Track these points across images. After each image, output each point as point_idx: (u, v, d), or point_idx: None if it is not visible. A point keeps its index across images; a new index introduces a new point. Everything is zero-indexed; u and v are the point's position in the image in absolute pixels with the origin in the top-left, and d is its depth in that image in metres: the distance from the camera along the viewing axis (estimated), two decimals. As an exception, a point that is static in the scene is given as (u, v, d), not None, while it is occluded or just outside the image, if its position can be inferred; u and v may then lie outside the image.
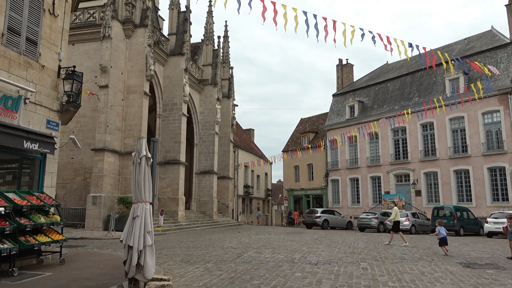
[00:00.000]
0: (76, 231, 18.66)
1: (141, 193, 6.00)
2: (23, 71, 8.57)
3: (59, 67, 9.64)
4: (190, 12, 27.83)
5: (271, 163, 52.45)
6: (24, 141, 8.22)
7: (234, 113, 35.92)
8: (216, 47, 33.84)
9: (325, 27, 9.26)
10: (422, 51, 10.41)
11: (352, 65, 42.14)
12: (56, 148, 9.30)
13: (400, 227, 23.87)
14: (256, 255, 10.77)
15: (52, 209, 9.01)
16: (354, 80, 41.68)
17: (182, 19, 27.42)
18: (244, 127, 56.24)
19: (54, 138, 9.17)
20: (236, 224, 32.38)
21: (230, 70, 36.44)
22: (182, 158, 25.77)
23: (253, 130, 57.09)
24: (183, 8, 28.12)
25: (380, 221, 26.04)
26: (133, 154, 6.19)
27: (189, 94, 29.16)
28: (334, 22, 9.38)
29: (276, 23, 8.67)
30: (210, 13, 33.62)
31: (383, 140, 33.23)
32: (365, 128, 26.96)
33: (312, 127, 43.56)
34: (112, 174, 20.66)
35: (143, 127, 21.56)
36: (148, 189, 6.08)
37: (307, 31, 9.55)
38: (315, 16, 9.12)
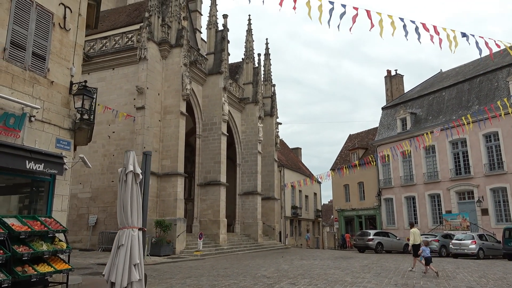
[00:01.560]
0: (113, 256, 18.22)
1: (127, 216, 4.97)
2: (28, 87, 8.09)
3: (71, 83, 9.14)
4: (228, 30, 27.53)
5: (320, 182, 50.45)
6: (27, 161, 7.62)
7: (278, 131, 34.78)
8: (256, 65, 33.25)
9: (355, 16, 7.93)
10: (480, 41, 8.66)
11: (402, 76, 39.61)
12: (66, 169, 8.66)
13: (464, 250, 21.21)
14: (288, 287, 9.31)
15: (62, 235, 8.32)
16: (405, 92, 39.04)
17: (220, 38, 27.16)
18: (294, 147, 54.84)
19: (63, 158, 8.54)
20: (282, 248, 30.71)
21: (272, 87, 35.59)
22: (223, 178, 24.95)
23: (300, 149, 55.42)
24: (221, 28, 27.93)
25: (441, 244, 23.28)
26: (119, 170, 5.22)
27: (230, 113, 28.60)
28: (368, 12, 8.04)
29: (294, 8, 7.51)
30: (249, 31, 33.27)
31: (441, 153, 30.26)
32: (418, 141, 24.51)
33: (362, 143, 41.20)
34: (150, 197, 20.10)
35: (180, 147, 21.07)
36: (137, 212, 5.04)
37: (338, 26, 8.29)
38: (343, 6, 7.85)
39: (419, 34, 8.58)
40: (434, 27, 8.54)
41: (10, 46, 7.78)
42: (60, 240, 8.08)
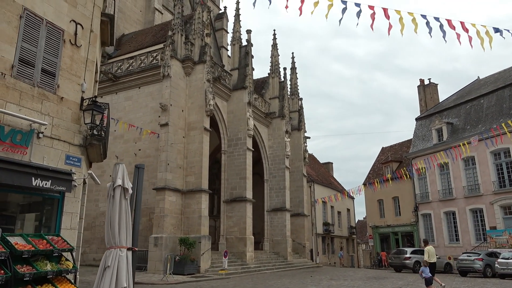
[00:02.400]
0: (138, 275, 17.95)
1: (114, 235, 4.57)
2: (37, 104, 8.03)
3: (82, 99, 9.04)
4: (251, 45, 27.44)
5: (353, 198, 48.83)
6: (33, 178, 7.48)
7: (306, 146, 33.98)
8: (282, 79, 32.89)
9: (372, 15, 7.34)
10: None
11: (436, 85, 37.90)
12: (75, 186, 8.47)
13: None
14: (309, 311, 8.55)
15: (70, 254, 8.07)
16: (440, 101, 37.29)
17: (244, 53, 27.09)
18: (324, 162, 53.67)
19: (72, 175, 8.35)
20: (313, 266, 29.54)
21: (300, 101, 35.03)
22: (249, 194, 24.44)
23: (331, 163, 54.10)
24: (244, 43, 27.90)
25: (486, 263, 21.43)
26: (108, 184, 4.86)
27: (256, 128, 28.28)
28: (385, 10, 7.44)
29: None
30: (274, 46, 33.10)
31: (482, 165, 28.32)
32: (454, 151, 23.01)
33: (395, 156, 39.54)
34: (174, 214, 19.99)
35: (204, 163, 20.82)
36: (125, 230, 4.62)
37: (357, 24, 7.74)
38: (357, 4, 7.29)
39: (444, 32, 7.84)
40: (462, 23, 7.77)
41: (19, 63, 7.77)
42: (66, 259, 7.81)
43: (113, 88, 24.31)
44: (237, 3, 29.27)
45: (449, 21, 7.92)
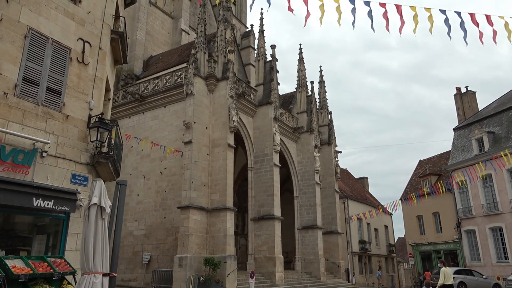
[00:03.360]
0: (162, 296, 17.63)
1: (88, 259, 4.18)
2: (41, 123, 7.94)
3: (89, 117, 8.91)
4: (276, 60, 27.16)
5: (391, 214, 46.71)
6: (34, 198, 7.30)
7: (337, 160, 32.83)
8: (310, 93, 32.23)
9: (385, 14, 6.69)
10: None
11: (474, 92, 35.83)
12: (81, 205, 8.23)
13: None
14: None
15: (73, 277, 7.78)
16: (479, 110, 35.14)
17: (268, 69, 26.82)
18: (359, 177, 51.99)
19: (78, 195, 8.13)
20: (349, 287, 28.04)
21: (329, 115, 34.13)
22: (277, 212, 23.66)
23: (367, 178, 52.20)
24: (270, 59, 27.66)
25: (540, 285, 19.38)
26: (84, 203, 4.47)
27: (284, 144, 27.69)
28: (398, 6, 6.78)
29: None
30: (301, 60, 32.66)
31: (530, 176, 26.11)
32: (496, 162, 21.31)
33: (434, 169, 37.44)
34: (199, 233, 19.57)
35: (229, 180, 20.41)
36: (101, 254, 4.19)
37: (371, 26, 7.13)
38: (367, 3, 6.68)
39: (465, 31, 7.03)
40: (487, 16, 6.95)
41: (22, 82, 7.75)
42: (68, 283, 7.50)
43: (140, 108, 24.68)
44: (261, 19, 29.30)
45: (472, 16, 7.12)
